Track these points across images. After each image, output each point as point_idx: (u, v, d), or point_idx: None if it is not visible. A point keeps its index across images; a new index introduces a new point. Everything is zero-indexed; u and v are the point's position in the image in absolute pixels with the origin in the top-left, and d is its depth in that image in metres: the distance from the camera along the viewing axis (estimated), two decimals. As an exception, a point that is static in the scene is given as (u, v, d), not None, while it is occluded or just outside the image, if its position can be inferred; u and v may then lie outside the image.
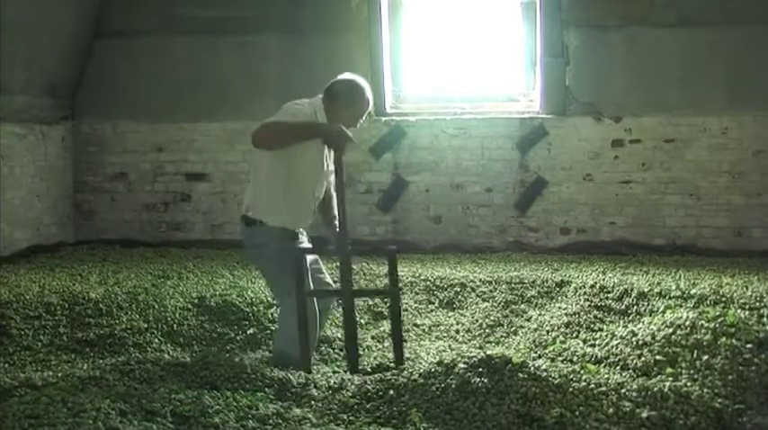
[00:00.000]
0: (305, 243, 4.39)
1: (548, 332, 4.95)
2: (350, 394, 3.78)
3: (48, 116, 7.35)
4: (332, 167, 4.29)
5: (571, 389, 3.57)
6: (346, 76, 4.28)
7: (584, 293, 5.41)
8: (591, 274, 5.85)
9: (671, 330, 4.14)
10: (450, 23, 7.67)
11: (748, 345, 3.92)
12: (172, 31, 7.49)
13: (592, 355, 4.17)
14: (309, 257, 4.35)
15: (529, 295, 5.62)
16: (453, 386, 3.62)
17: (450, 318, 5.44)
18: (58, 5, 7.03)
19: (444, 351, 4.58)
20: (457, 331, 5.22)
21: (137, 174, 7.69)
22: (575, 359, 4.15)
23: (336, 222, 4.34)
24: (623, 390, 3.59)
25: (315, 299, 4.30)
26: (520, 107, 7.33)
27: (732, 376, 3.73)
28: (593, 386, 3.60)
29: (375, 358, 4.65)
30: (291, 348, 4.19)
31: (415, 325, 5.32)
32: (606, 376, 3.75)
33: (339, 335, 4.83)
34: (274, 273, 4.28)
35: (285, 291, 4.21)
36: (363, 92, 4.16)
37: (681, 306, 4.89)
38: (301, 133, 4.04)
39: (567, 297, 5.48)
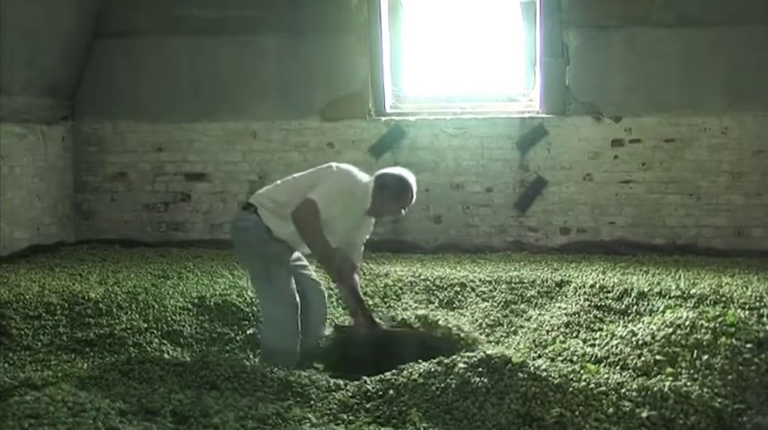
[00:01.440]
0: (307, 268, 4.51)
1: (548, 332, 4.95)
2: (350, 394, 3.78)
3: (48, 116, 7.35)
4: (353, 239, 4.48)
5: (571, 389, 3.57)
6: (398, 171, 4.49)
7: (584, 293, 5.41)
8: (591, 274, 5.85)
9: (671, 330, 4.14)
10: (450, 23, 7.68)
11: (748, 345, 3.91)
12: (172, 31, 7.49)
13: (592, 355, 4.17)
14: (294, 255, 4.44)
15: (529, 295, 5.62)
16: (453, 386, 3.62)
17: (450, 317, 5.43)
18: (58, 5, 7.03)
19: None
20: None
21: (137, 174, 7.69)
22: (575, 359, 4.15)
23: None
24: (623, 390, 3.59)
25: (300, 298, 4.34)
26: (520, 107, 7.33)
27: (732, 376, 3.73)
28: (593, 386, 3.60)
29: None
30: (276, 335, 4.24)
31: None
32: (606, 376, 3.75)
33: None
34: (254, 258, 4.32)
35: (263, 276, 4.26)
36: (410, 190, 4.43)
37: (681, 306, 4.89)
38: (317, 250, 4.24)
39: (566, 297, 5.48)
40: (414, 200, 4.52)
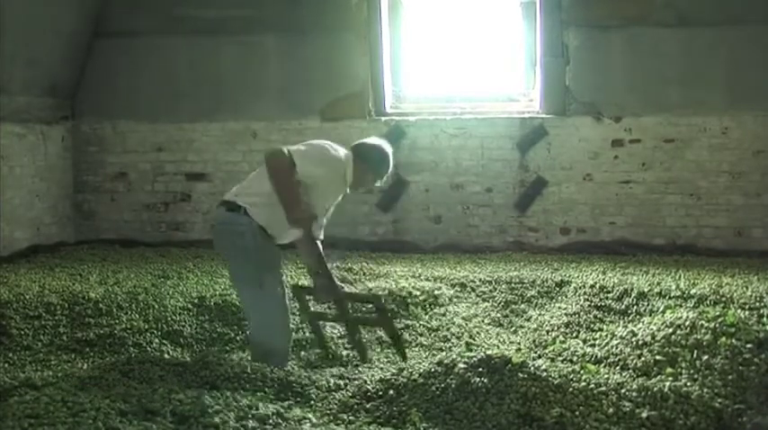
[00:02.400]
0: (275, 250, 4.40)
1: (548, 332, 4.95)
2: (350, 394, 3.78)
3: (48, 116, 7.35)
4: (330, 209, 4.42)
5: (571, 389, 3.57)
6: (376, 141, 4.45)
7: (584, 293, 5.42)
8: (591, 274, 5.85)
9: (671, 330, 4.14)
10: (449, 23, 7.68)
11: (748, 345, 3.91)
12: (172, 31, 7.49)
13: (592, 355, 4.16)
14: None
15: (529, 295, 5.63)
16: (453, 386, 3.62)
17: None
18: (58, 5, 7.04)
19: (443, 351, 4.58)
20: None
21: (137, 174, 7.69)
22: (575, 359, 4.15)
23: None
24: (623, 390, 3.58)
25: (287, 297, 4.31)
26: (520, 107, 7.33)
27: (732, 376, 3.73)
28: (593, 386, 3.60)
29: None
30: (271, 338, 4.19)
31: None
32: (606, 376, 3.75)
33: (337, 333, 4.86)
34: (248, 262, 4.16)
35: (256, 281, 4.14)
36: (390, 161, 4.39)
37: (681, 306, 4.89)
38: (284, 201, 4.06)
39: (566, 297, 5.49)
40: (390, 171, 4.45)
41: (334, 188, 4.31)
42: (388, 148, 4.40)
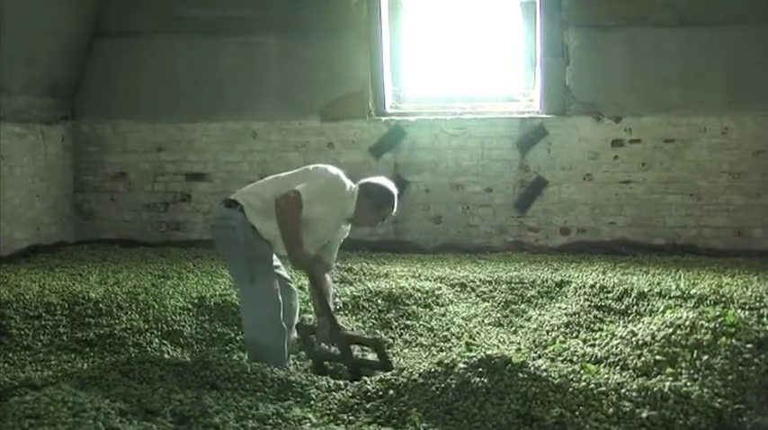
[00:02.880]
0: (281, 268, 4.45)
1: (548, 332, 4.95)
2: (350, 394, 3.78)
3: (48, 116, 7.35)
4: (330, 242, 4.45)
5: (571, 389, 3.56)
6: (383, 181, 4.48)
7: (584, 293, 5.42)
8: (591, 274, 5.85)
9: (671, 330, 4.14)
10: (449, 23, 7.68)
11: (748, 345, 3.91)
12: (172, 31, 7.49)
13: (592, 355, 4.16)
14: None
15: (529, 295, 5.63)
16: (453, 386, 3.62)
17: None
18: (58, 5, 7.04)
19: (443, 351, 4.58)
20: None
21: (137, 174, 7.69)
22: (575, 359, 4.15)
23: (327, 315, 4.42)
24: (623, 390, 3.58)
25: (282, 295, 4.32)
26: (520, 107, 7.33)
27: (732, 376, 3.72)
28: (593, 386, 3.60)
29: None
30: (263, 335, 4.20)
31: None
32: (606, 376, 3.75)
33: None
34: (239, 256, 4.23)
35: (247, 276, 4.20)
36: (394, 202, 4.43)
37: (681, 306, 4.89)
38: (290, 243, 4.14)
39: (567, 297, 5.49)
40: (394, 212, 4.51)
41: (333, 222, 4.34)
42: (395, 190, 4.45)
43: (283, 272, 4.51)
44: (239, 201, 4.24)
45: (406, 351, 4.90)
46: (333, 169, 4.41)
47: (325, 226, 4.31)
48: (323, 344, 4.51)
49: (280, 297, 4.28)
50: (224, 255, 4.45)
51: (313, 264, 4.27)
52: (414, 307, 5.43)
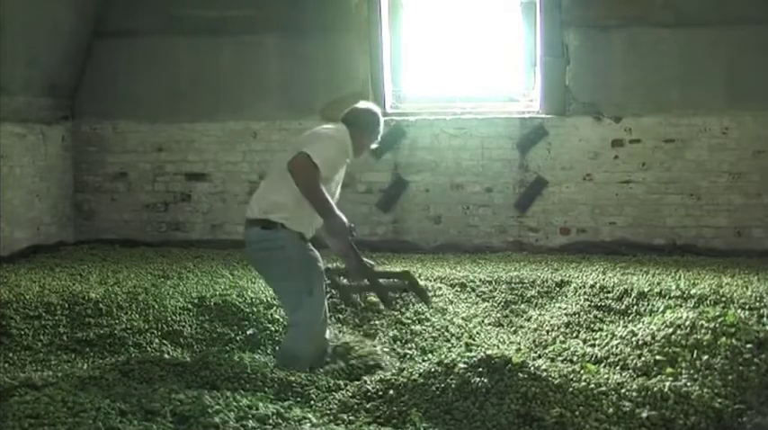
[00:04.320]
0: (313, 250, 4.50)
1: (548, 332, 4.95)
2: (350, 394, 3.78)
3: (48, 116, 7.35)
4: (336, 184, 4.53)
5: (571, 389, 3.57)
6: (360, 105, 4.60)
7: (584, 293, 5.41)
8: (591, 274, 5.85)
9: (671, 330, 4.14)
10: (449, 23, 7.68)
11: (748, 345, 3.91)
12: (172, 31, 7.49)
13: (592, 355, 4.17)
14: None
15: (529, 295, 5.62)
16: (453, 386, 3.62)
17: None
18: (58, 5, 7.04)
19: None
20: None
21: (137, 174, 7.69)
22: (575, 359, 4.15)
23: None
24: (623, 390, 3.58)
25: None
26: (520, 107, 7.33)
27: (732, 376, 3.73)
28: (593, 386, 3.60)
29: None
30: (307, 347, 4.26)
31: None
32: (606, 376, 3.75)
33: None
34: (295, 272, 4.25)
35: (306, 290, 4.24)
36: (381, 119, 4.59)
37: (681, 306, 4.89)
38: (320, 210, 4.19)
39: (567, 297, 5.48)
40: (381, 128, 4.66)
41: (341, 166, 4.43)
42: (376, 108, 4.61)
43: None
44: (276, 220, 4.22)
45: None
46: (323, 128, 4.47)
47: (338, 176, 4.42)
48: (352, 281, 4.85)
49: (326, 305, 4.39)
50: (276, 275, 4.36)
51: (344, 224, 4.22)
52: (414, 306, 5.42)
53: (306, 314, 4.26)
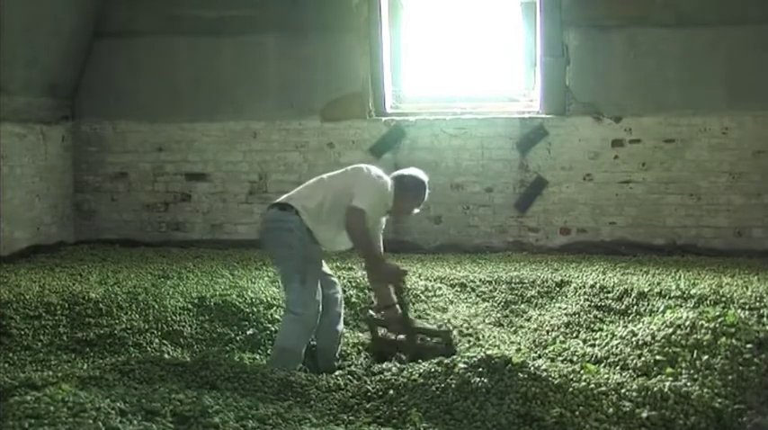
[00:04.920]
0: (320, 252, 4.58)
1: (548, 332, 4.95)
2: (350, 394, 3.78)
3: (48, 116, 7.35)
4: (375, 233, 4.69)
5: (571, 389, 3.57)
6: (414, 172, 4.73)
7: (585, 293, 5.42)
8: (591, 274, 5.85)
9: (671, 330, 4.14)
10: (450, 23, 7.68)
11: (748, 345, 3.91)
12: (172, 31, 7.49)
13: (592, 355, 4.17)
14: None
15: (529, 295, 5.63)
16: (453, 386, 3.62)
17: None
18: (58, 5, 7.04)
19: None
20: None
21: (137, 174, 7.69)
22: (575, 359, 4.15)
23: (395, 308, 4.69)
24: (623, 390, 3.59)
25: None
26: (520, 107, 7.33)
27: (732, 376, 3.73)
28: (593, 386, 3.60)
29: None
30: (297, 335, 4.35)
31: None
32: (606, 376, 3.75)
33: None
34: (293, 258, 4.38)
35: (299, 277, 4.35)
36: (426, 189, 4.73)
37: (681, 306, 4.89)
38: (370, 259, 4.47)
39: (567, 297, 5.49)
40: (427, 197, 4.77)
41: (380, 219, 4.64)
42: (425, 177, 4.71)
43: (325, 267, 4.70)
44: (293, 205, 4.41)
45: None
46: (374, 171, 4.58)
47: (376, 223, 4.58)
48: (389, 333, 4.75)
49: (320, 298, 4.46)
50: (277, 256, 4.57)
51: (394, 270, 4.51)
52: (414, 305, 5.43)
53: (296, 299, 4.36)
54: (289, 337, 4.37)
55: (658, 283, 5.43)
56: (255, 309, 5.21)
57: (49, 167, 7.39)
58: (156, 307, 5.22)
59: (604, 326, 4.83)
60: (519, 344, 4.82)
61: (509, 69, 7.51)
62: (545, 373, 3.64)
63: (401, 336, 4.66)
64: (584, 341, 4.55)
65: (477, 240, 7.26)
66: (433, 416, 3.51)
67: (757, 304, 4.72)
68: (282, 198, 4.57)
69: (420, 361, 4.30)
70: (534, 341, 4.84)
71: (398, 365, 4.09)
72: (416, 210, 4.79)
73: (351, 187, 4.41)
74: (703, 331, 4.05)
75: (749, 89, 6.88)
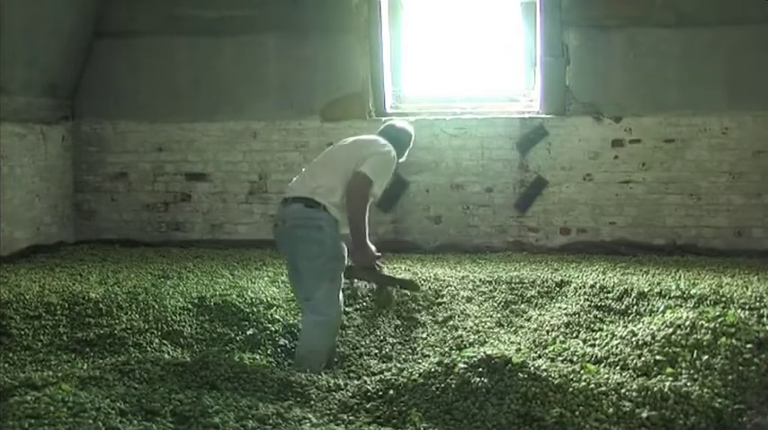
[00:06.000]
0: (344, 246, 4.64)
1: (548, 332, 4.95)
2: (350, 394, 3.78)
3: (48, 116, 7.35)
4: None
5: (571, 389, 3.57)
6: (398, 123, 4.92)
7: (584, 293, 5.41)
8: (591, 274, 5.85)
9: (671, 330, 4.14)
10: (450, 23, 7.68)
11: (748, 345, 3.92)
12: (172, 31, 7.49)
13: (592, 355, 4.17)
14: None
15: (529, 295, 5.62)
16: (453, 386, 3.62)
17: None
18: (58, 5, 7.03)
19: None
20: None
21: (137, 174, 7.69)
22: (575, 359, 4.15)
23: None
24: (623, 390, 3.59)
25: None
26: (520, 107, 7.33)
27: (732, 376, 3.73)
28: (593, 386, 3.60)
29: None
30: (322, 338, 4.40)
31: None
32: (606, 376, 3.75)
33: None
34: (324, 255, 4.36)
35: (328, 275, 4.36)
36: (412, 136, 5.03)
37: (681, 306, 4.89)
38: (357, 236, 4.47)
39: (567, 297, 5.48)
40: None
41: (380, 191, 4.57)
42: (411, 128, 4.97)
43: None
44: (320, 201, 4.35)
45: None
46: (380, 140, 4.64)
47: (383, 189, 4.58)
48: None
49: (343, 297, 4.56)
50: (305, 254, 4.40)
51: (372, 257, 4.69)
52: (414, 306, 5.43)
53: (325, 298, 4.36)
54: (316, 341, 4.36)
55: (658, 283, 5.43)
56: (255, 309, 5.21)
57: (49, 167, 7.39)
58: (156, 307, 5.22)
59: (604, 326, 4.83)
60: (519, 344, 4.82)
61: (509, 69, 7.51)
62: (545, 373, 3.64)
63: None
64: (584, 341, 4.55)
65: (477, 240, 7.26)
66: (433, 416, 3.51)
67: (757, 304, 4.72)
68: (300, 190, 4.45)
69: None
70: (534, 341, 4.84)
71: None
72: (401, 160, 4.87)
73: (364, 158, 4.40)
74: (703, 331, 4.06)
75: (749, 89, 6.88)
